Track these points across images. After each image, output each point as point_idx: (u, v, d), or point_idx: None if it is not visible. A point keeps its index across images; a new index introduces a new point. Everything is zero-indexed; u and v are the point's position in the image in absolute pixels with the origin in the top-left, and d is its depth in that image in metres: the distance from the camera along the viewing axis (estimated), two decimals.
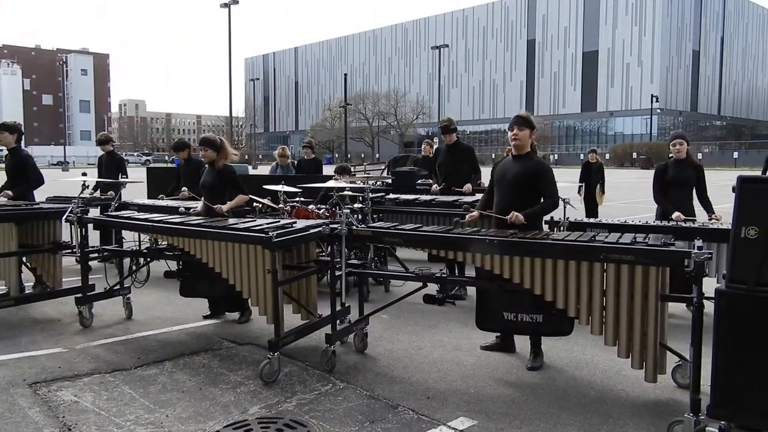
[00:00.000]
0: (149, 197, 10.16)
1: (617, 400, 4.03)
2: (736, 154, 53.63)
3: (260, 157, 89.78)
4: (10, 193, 6.45)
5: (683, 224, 5.70)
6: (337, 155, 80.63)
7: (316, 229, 4.70)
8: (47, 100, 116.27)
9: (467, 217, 4.84)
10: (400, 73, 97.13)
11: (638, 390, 4.16)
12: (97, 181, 5.92)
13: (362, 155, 77.54)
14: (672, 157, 6.19)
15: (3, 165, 7.36)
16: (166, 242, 5.60)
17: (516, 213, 4.45)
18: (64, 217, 5.41)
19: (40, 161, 72.61)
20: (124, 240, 6.43)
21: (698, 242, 3.44)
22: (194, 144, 8.26)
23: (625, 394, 4.11)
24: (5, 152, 6.77)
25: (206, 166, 5.91)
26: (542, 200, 4.57)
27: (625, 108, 75.24)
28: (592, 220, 6.18)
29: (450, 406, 3.91)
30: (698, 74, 78.37)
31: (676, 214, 5.89)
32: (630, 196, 21.99)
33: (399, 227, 4.49)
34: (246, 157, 65.87)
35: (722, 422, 3.01)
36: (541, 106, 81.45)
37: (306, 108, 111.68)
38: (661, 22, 71.78)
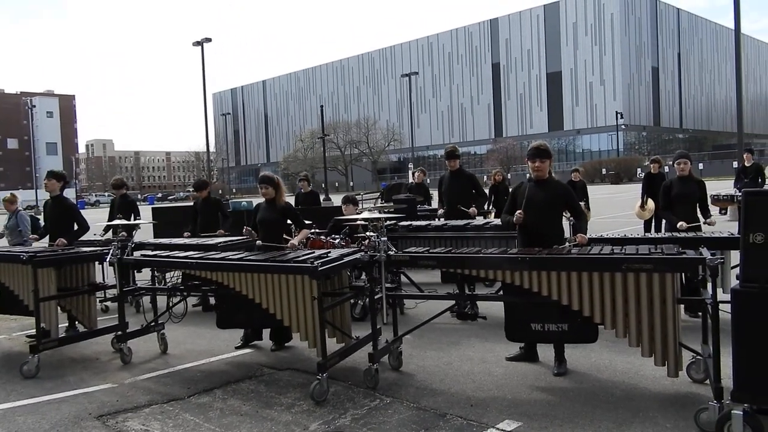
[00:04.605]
0: (155, 236, 10.40)
1: (642, 396, 4.45)
2: (701, 165, 55.24)
3: (233, 191, 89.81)
4: (64, 240, 6.74)
5: (682, 234, 6.18)
6: (311, 186, 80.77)
7: (353, 257, 5.08)
8: (12, 144, 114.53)
9: (515, 216, 5.10)
10: (369, 101, 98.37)
11: (659, 386, 4.60)
12: (119, 224, 6.15)
13: (336, 184, 77.97)
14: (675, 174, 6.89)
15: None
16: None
17: (581, 234, 5.04)
18: (107, 260, 5.68)
19: None
20: (157, 278, 6.70)
21: (704, 250, 3.96)
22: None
23: (648, 391, 4.54)
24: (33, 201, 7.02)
25: (262, 203, 6.23)
26: (574, 218, 5.22)
27: (591, 125, 77.14)
28: (592, 236, 6.65)
29: (493, 411, 4.30)
30: (659, 90, 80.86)
31: (680, 224, 6.46)
32: (607, 212, 22.70)
33: (433, 251, 4.90)
34: (219, 191, 65.76)
35: (746, 405, 3.45)
36: (509, 128, 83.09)
37: (277, 140, 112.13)
38: (620, 41, 74.15)
